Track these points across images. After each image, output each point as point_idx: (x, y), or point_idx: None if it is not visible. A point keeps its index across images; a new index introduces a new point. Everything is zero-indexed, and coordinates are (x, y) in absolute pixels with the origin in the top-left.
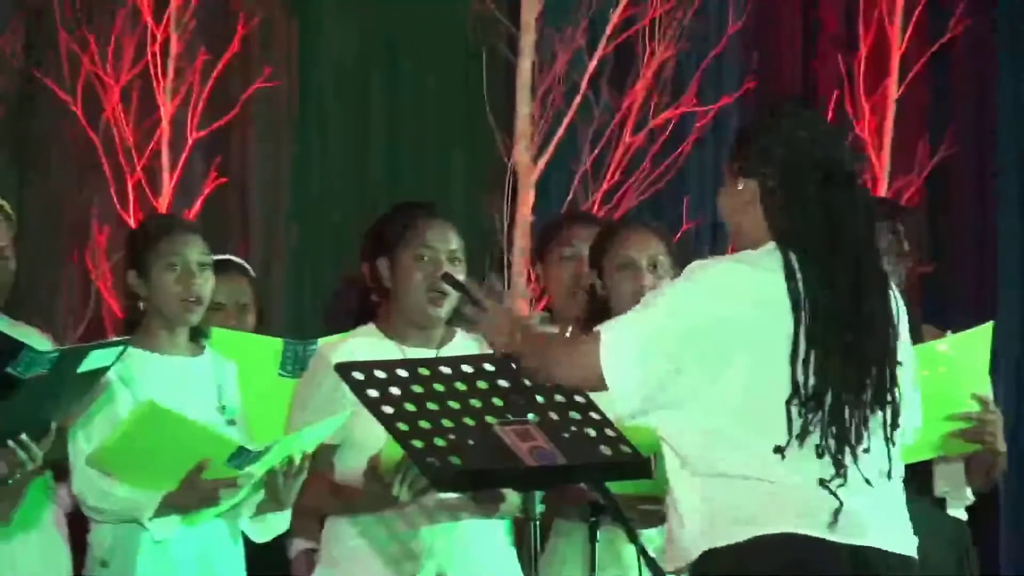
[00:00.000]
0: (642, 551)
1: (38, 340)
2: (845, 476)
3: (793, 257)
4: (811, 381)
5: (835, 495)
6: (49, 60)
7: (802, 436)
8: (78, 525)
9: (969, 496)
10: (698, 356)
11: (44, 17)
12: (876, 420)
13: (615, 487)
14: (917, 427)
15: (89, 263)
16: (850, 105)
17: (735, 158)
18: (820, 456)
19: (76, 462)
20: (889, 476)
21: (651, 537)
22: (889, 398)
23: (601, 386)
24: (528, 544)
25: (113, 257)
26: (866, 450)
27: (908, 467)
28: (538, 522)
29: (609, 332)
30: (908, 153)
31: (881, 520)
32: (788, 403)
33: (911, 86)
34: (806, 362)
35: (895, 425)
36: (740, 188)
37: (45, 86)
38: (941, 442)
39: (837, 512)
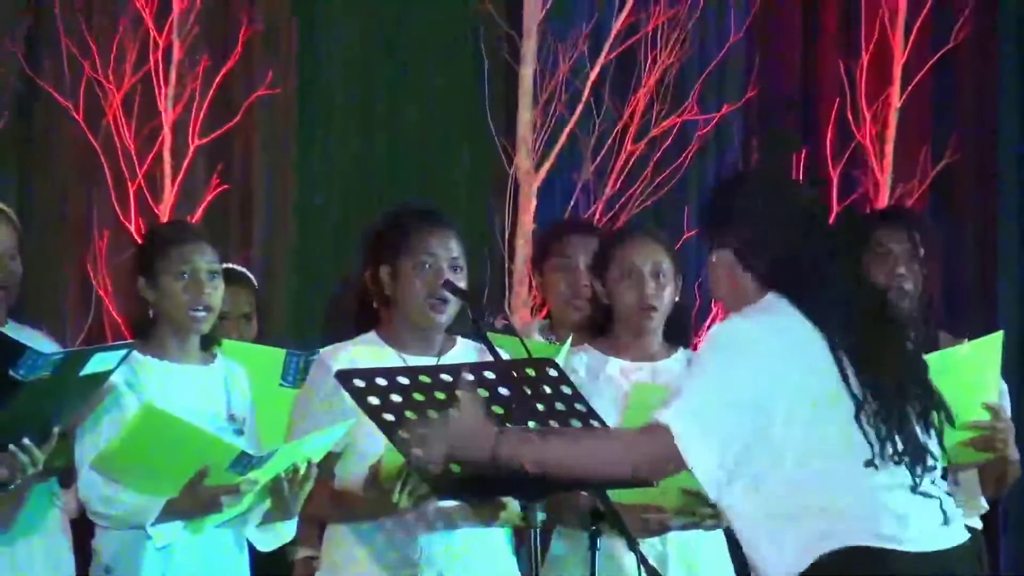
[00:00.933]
0: (642, 559)
1: (44, 344)
2: (922, 482)
3: (800, 297)
4: (869, 393)
5: (933, 496)
6: (51, 66)
7: (883, 446)
8: (83, 531)
9: (983, 504)
10: (760, 418)
11: (46, 23)
12: (925, 429)
13: (617, 495)
14: None
15: (90, 269)
16: (852, 112)
17: (705, 234)
18: (898, 464)
19: (82, 467)
20: (945, 477)
21: (652, 545)
22: (932, 402)
23: (672, 473)
24: (529, 552)
25: (114, 263)
26: (933, 467)
27: None
28: (539, 530)
29: (677, 424)
30: (910, 160)
31: (942, 523)
32: (857, 418)
33: (913, 93)
34: (858, 374)
35: (948, 422)
36: (714, 260)
37: (47, 92)
38: (954, 451)
39: (944, 512)
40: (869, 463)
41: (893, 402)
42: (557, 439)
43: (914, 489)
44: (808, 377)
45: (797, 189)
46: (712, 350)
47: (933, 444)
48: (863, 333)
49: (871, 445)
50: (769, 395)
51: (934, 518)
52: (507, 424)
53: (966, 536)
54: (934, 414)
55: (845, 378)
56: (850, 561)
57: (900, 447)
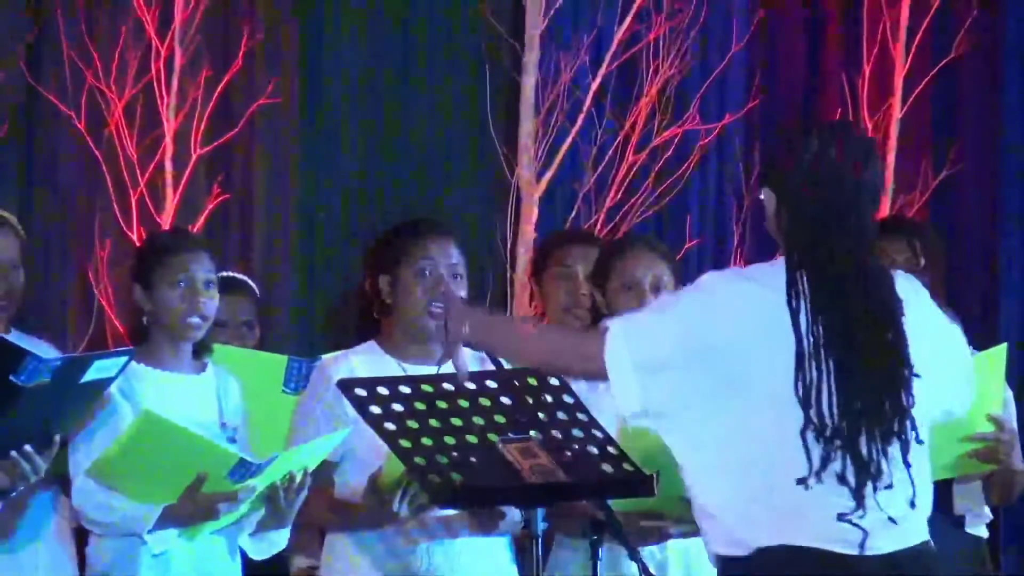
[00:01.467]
0: (643, 568)
1: (48, 353)
2: (865, 511)
3: (802, 275)
4: (824, 409)
5: (859, 526)
6: (52, 74)
7: (824, 464)
8: (84, 538)
9: (987, 514)
10: (702, 376)
11: (48, 31)
12: (894, 448)
13: (617, 504)
14: (967, 407)
15: (91, 277)
16: (853, 123)
17: (761, 167)
18: (841, 485)
19: (75, 476)
20: (913, 505)
21: (652, 553)
22: (904, 423)
23: (603, 378)
24: (530, 561)
25: (115, 271)
26: (889, 486)
27: None
28: (540, 539)
29: (616, 332)
30: (912, 170)
31: (899, 536)
32: (802, 433)
33: (915, 104)
34: (812, 387)
35: (916, 443)
36: (762, 197)
37: (48, 100)
38: (957, 463)
39: (863, 542)
40: (801, 481)
41: (858, 426)
42: (517, 329)
43: (841, 517)
44: (766, 373)
45: (866, 166)
46: (693, 291)
47: (900, 471)
48: (849, 346)
49: (810, 464)
50: (718, 365)
51: (853, 538)
52: (509, 434)
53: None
54: (906, 431)
55: (798, 385)
56: (785, 559)
57: (845, 472)
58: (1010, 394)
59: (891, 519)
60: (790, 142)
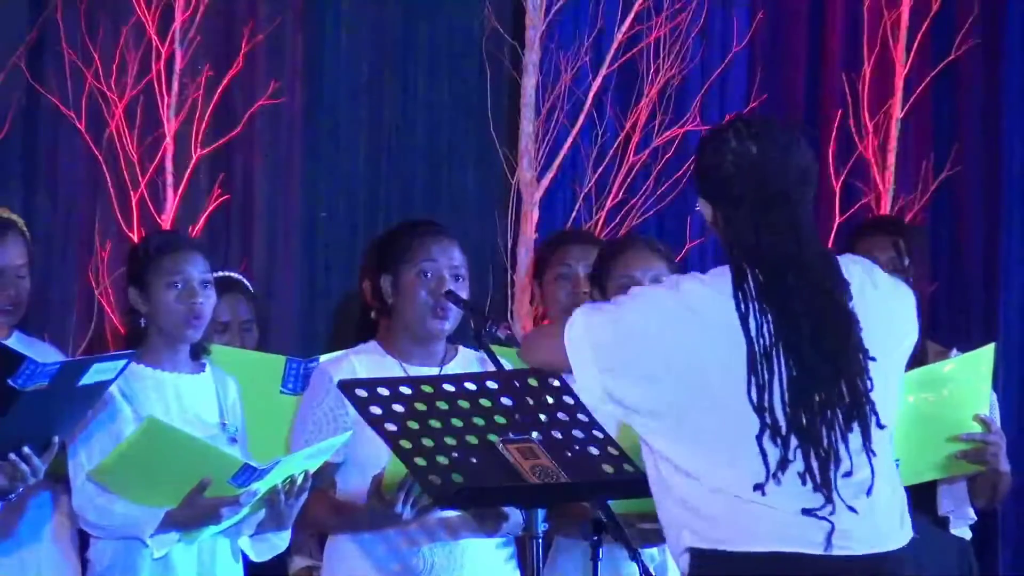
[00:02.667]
0: (643, 570)
1: (51, 356)
2: (833, 504)
3: (745, 276)
4: (777, 410)
5: (827, 519)
6: (53, 75)
7: (782, 467)
8: (82, 542)
9: (972, 515)
10: (662, 382)
11: (48, 32)
12: (854, 435)
13: (619, 505)
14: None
15: (92, 278)
16: (854, 124)
17: (695, 177)
18: (804, 483)
19: (76, 479)
20: (869, 492)
21: (652, 555)
22: (863, 409)
23: (568, 371)
24: (530, 562)
25: (116, 273)
26: (847, 473)
27: (911, 487)
28: (541, 540)
29: (577, 323)
30: (912, 172)
31: (871, 533)
32: (759, 439)
33: (915, 105)
34: (765, 388)
35: (877, 428)
36: (697, 208)
37: (49, 101)
38: (944, 463)
39: (830, 535)
40: (759, 487)
41: (814, 421)
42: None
43: (806, 512)
44: (716, 379)
45: (789, 152)
46: (653, 289)
47: (860, 457)
48: (798, 339)
49: (767, 469)
50: (666, 367)
51: (816, 536)
52: (510, 435)
53: (897, 540)
54: (866, 416)
55: (750, 388)
56: (732, 564)
57: (808, 469)
58: (995, 397)
59: (851, 508)
60: (707, 146)
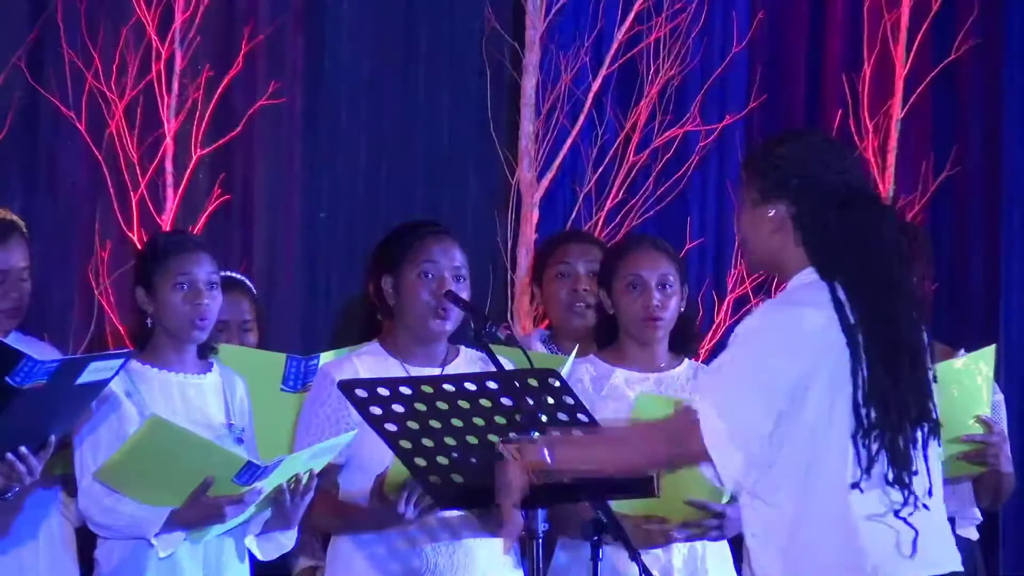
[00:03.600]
0: (644, 570)
1: (50, 355)
2: (914, 503)
3: (839, 287)
4: (872, 413)
5: (911, 525)
6: (53, 76)
7: (869, 468)
8: (87, 540)
9: (977, 515)
10: (783, 415)
11: (48, 33)
12: (919, 440)
13: (623, 506)
14: None
15: (92, 279)
16: (854, 124)
17: (762, 179)
18: (891, 485)
19: (81, 478)
20: (931, 494)
21: (656, 556)
22: (931, 416)
23: (707, 461)
24: (532, 562)
25: (116, 273)
26: (915, 472)
27: None
28: (541, 540)
29: (707, 412)
30: (912, 172)
31: (942, 542)
32: (855, 437)
33: (915, 105)
34: (867, 396)
35: (935, 439)
36: (771, 214)
37: (49, 102)
38: (947, 465)
39: (915, 541)
40: (855, 485)
41: (896, 425)
42: (584, 437)
43: (897, 513)
44: (827, 387)
45: (855, 163)
46: (748, 335)
47: (921, 461)
48: (891, 351)
49: (860, 468)
50: (793, 397)
51: (906, 545)
52: (510, 435)
53: (956, 561)
54: (930, 439)
55: (856, 394)
56: None
57: (891, 470)
58: (1001, 397)
59: (926, 507)
60: (793, 153)
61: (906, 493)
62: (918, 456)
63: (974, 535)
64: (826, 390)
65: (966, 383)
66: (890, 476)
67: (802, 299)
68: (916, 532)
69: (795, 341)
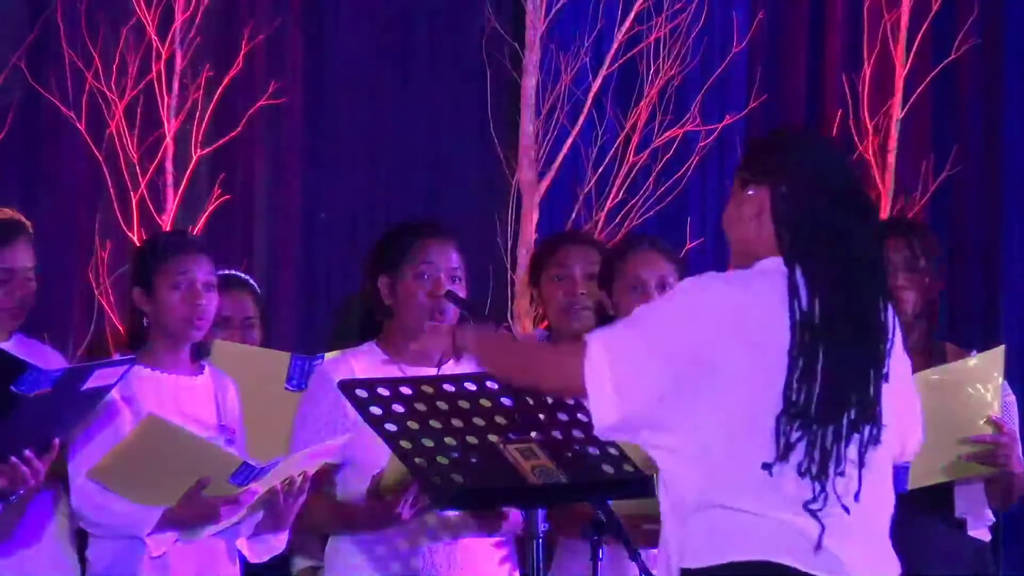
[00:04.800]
0: (644, 570)
1: (52, 359)
2: (825, 499)
3: (799, 272)
4: (801, 398)
5: (818, 519)
6: (53, 76)
7: (786, 453)
8: (79, 540)
9: (989, 516)
10: (680, 383)
11: (48, 33)
12: (854, 441)
13: (622, 506)
14: (921, 442)
15: (92, 279)
16: (854, 124)
17: (746, 167)
18: (802, 476)
19: (75, 478)
20: (857, 498)
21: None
22: (875, 419)
23: (582, 396)
24: (531, 562)
25: (116, 273)
26: (841, 472)
27: (927, 489)
28: (541, 540)
29: (594, 346)
30: (912, 172)
31: (857, 548)
32: (778, 419)
33: (915, 105)
34: (800, 380)
35: (874, 443)
36: (750, 194)
37: (49, 102)
38: (956, 465)
39: (820, 536)
40: (767, 466)
41: (828, 416)
42: (531, 348)
43: (805, 505)
44: (748, 367)
45: (852, 165)
46: (669, 298)
47: (852, 463)
48: (842, 343)
49: (777, 450)
50: (696, 369)
51: (810, 540)
52: (510, 435)
53: (885, 570)
54: (871, 444)
55: (789, 377)
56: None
57: (808, 462)
58: (1013, 398)
59: (844, 508)
60: (784, 142)
61: (818, 488)
62: (850, 456)
63: (986, 536)
64: (750, 371)
65: (977, 383)
66: (804, 466)
67: (741, 282)
68: (822, 528)
69: (710, 314)
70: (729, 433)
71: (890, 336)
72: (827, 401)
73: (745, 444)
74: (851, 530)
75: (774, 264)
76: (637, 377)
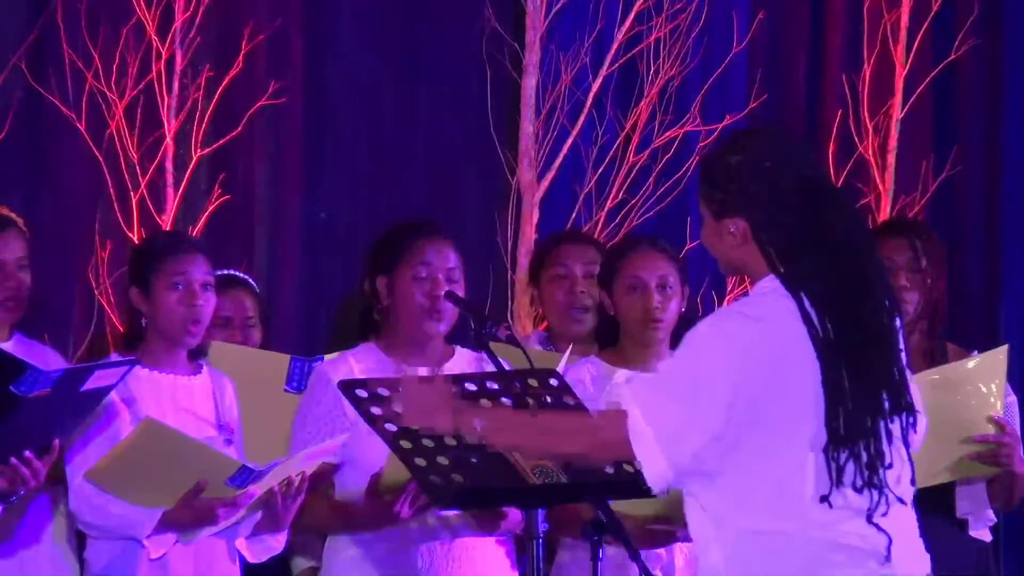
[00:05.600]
0: (644, 570)
1: (52, 359)
2: (887, 504)
3: (804, 299)
4: (841, 425)
5: (884, 531)
6: (53, 76)
7: (840, 478)
8: (78, 541)
9: (991, 516)
10: (725, 425)
11: (48, 33)
12: (895, 434)
13: (624, 507)
14: (927, 424)
15: (92, 279)
16: (854, 124)
17: (717, 195)
18: (860, 492)
19: (73, 480)
20: (913, 482)
21: (658, 555)
22: (908, 405)
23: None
24: (531, 562)
25: (116, 273)
26: (889, 465)
27: (929, 489)
28: (541, 540)
29: (635, 416)
30: (912, 173)
31: (909, 544)
32: (826, 451)
33: (915, 106)
34: (836, 405)
35: (913, 429)
36: (730, 228)
37: (49, 102)
38: (958, 465)
39: (890, 547)
40: (824, 499)
41: (867, 430)
42: (517, 415)
43: (870, 518)
44: (786, 399)
45: (809, 156)
46: (692, 349)
47: (898, 455)
48: (859, 345)
49: (831, 481)
50: (739, 409)
51: (879, 554)
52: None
53: (926, 565)
54: (909, 429)
55: (828, 407)
56: None
57: (862, 475)
58: (1014, 398)
59: (900, 499)
60: (742, 164)
61: (876, 495)
62: (896, 448)
63: (987, 537)
64: (782, 404)
65: (979, 383)
66: (858, 482)
67: (755, 312)
68: (889, 539)
69: (739, 353)
70: (780, 469)
71: (896, 319)
72: (862, 414)
73: (797, 480)
74: (907, 527)
75: (772, 285)
76: (678, 443)
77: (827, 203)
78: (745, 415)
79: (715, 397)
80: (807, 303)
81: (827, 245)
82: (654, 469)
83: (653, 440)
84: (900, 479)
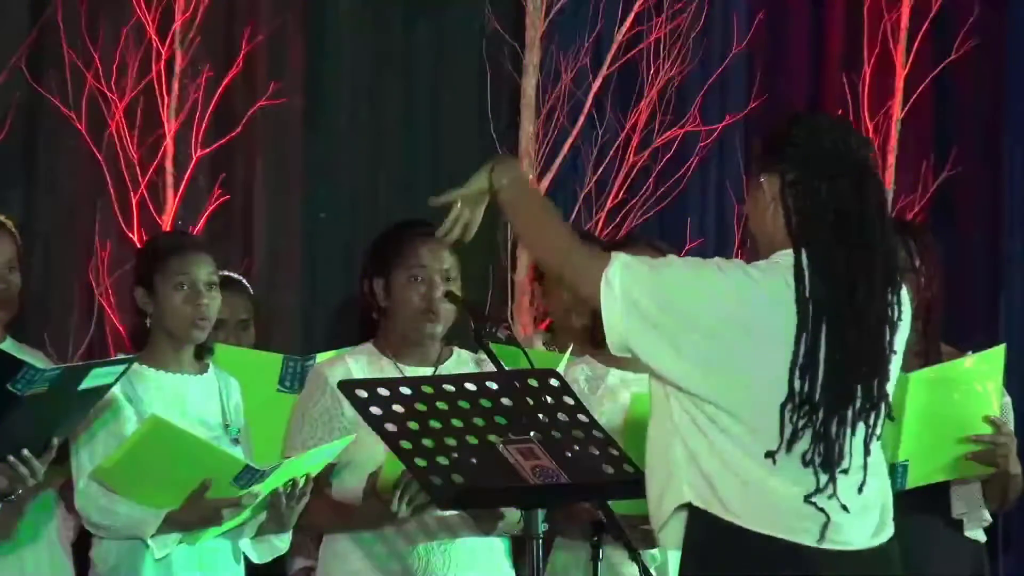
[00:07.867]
0: (644, 570)
1: (44, 364)
2: (831, 491)
3: (804, 257)
4: (806, 387)
5: (822, 510)
6: (53, 76)
7: (791, 443)
8: (83, 541)
9: (986, 517)
10: (689, 343)
11: (48, 33)
12: (858, 434)
13: (621, 507)
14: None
15: (92, 279)
16: (854, 124)
17: (757, 156)
18: (805, 466)
19: (78, 479)
20: (860, 490)
21: (653, 556)
22: (875, 408)
23: (590, 301)
24: (530, 562)
25: (116, 273)
26: (845, 471)
27: (924, 489)
28: (541, 540)
29: (616, 269)
30: (912, 172)
31: (859, 528)
32: (783, 407)
33: (915, 106)
34: (804, 368)
35: (875, 435)
36: (762, 183)
37: (49, 102)
38: (954, 465)
39: (825, 526)
40: (770, 454)
41: (833, 408)
42: (539, 209)
43: (807, 498)
44: (759, 350)
45: (861, 145)
46: (702, 263)
47: (858, 456)
48: (847, 321)
49: (781, 439)
50: (708, 338)
51: (812, 527)
52: (510, 435)
53: (881, 535)
54: (874, 420)
55: (793, 365)
56: (728, 539)
57: (812, 453)
58: (1008, 399)
59: (844, 507)
60: (789, 128)
61: (822, 478)
62: (856, 451)
63: (982, 537)
64: (761, 354)
65: (975, 384)
66: (808, 456)
67: (758, 273)
68: (828, 518)
69: (722, 296)
70: (740, 414)
71: (898, 320)
72: (831, 391)
73: (753, 428)
74: (854, 519)
75: (786, 261)
76: (643, 320)
77: (866, 187)
78: (703, 344)
79: (683, 308)
80: (805, 264)
81: (848, 225)
82: (614, 323)
83: (619, 297)
84: (852, 485)
